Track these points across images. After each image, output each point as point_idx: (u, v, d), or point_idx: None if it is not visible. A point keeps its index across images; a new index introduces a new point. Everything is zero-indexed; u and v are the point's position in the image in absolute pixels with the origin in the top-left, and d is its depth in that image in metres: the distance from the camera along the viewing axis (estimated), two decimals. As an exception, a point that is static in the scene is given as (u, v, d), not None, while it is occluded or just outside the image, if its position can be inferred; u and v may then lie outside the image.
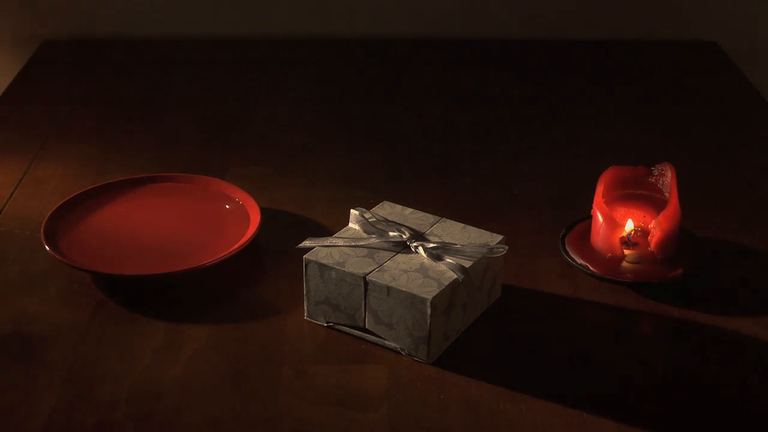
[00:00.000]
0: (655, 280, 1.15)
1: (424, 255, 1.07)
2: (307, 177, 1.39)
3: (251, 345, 1.07)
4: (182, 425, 0.97)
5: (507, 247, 1.09)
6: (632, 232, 1.18)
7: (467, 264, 1.05)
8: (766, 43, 1.87)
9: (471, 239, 1.10)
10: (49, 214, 1.23)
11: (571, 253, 1.19)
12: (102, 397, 1.00)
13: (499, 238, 1.11)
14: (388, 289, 1.03)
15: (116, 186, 1.31)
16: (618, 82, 1.71)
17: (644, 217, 1.19)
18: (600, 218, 1.17)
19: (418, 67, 1.75)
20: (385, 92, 1.66)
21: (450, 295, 1.04)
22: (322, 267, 1.06)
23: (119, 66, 1.74)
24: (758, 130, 1.56)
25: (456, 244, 1.07)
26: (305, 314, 1.10)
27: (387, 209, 1.16)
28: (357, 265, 1.05)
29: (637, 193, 1.22)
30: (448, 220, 1.14)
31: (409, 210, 1.16)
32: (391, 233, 1.10)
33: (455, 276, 1.04)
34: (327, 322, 1.09)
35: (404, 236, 1.09)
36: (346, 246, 1.08)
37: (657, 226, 1.15)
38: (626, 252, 1.17)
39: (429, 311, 1.01)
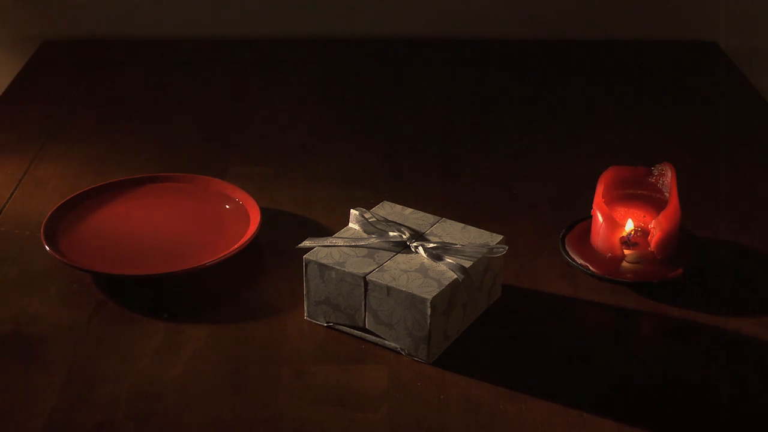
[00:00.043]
0: (655, 280, 1.15)
1: (424, 255, 1.07)
2: (307, 177, 1.39)
3: (251, 345, 1.07)
4: (182, 425, 0.97)
5: (507, 247, 1.09)
6: (632, 232, 1.18)
7: (467, 264, 1.05)
8: (766, 43, 1.87)
9: (471, 239, 1.10)
10: (49, 214, 1.23)
11: (571, 253, 1.19)
12: (102, 397, 1.00)
13: (499, 238, 1.11)
14: (388, 289, 1.03)
15: (116, 186, 1.31)
16: (618, 82, 1.71)
17: (644, 217, 1.19)
18: (600, 218, 1.17)
19: (418, 67, 1.75)
20: (385, 92, 1.66)
21: (450, 295, 1.04)
22: (322, 267, 1.06)
23: (119, 66, 1.74)
24: (758, 130, 1.56)
25: (456, 244, 1.07)
26: (305, 314, 1.10)
27: (387, 209, 1.16)
28: (357, 265, 1.05)
29: (637, 193, 1.22)
30: (448, 220, 1.14)
31: (409, 210, 1.16)
32: (391, 233, 1.10)
33: (455, 276, 1.04)
34: (327, 322, 1.09)
35: (404, 236, 1.09)
36: (346, 246, 1.08)
37: (657, 226, 1.15)
38: (626, 252, 1.17)
39: (429, 311, 1.01)
